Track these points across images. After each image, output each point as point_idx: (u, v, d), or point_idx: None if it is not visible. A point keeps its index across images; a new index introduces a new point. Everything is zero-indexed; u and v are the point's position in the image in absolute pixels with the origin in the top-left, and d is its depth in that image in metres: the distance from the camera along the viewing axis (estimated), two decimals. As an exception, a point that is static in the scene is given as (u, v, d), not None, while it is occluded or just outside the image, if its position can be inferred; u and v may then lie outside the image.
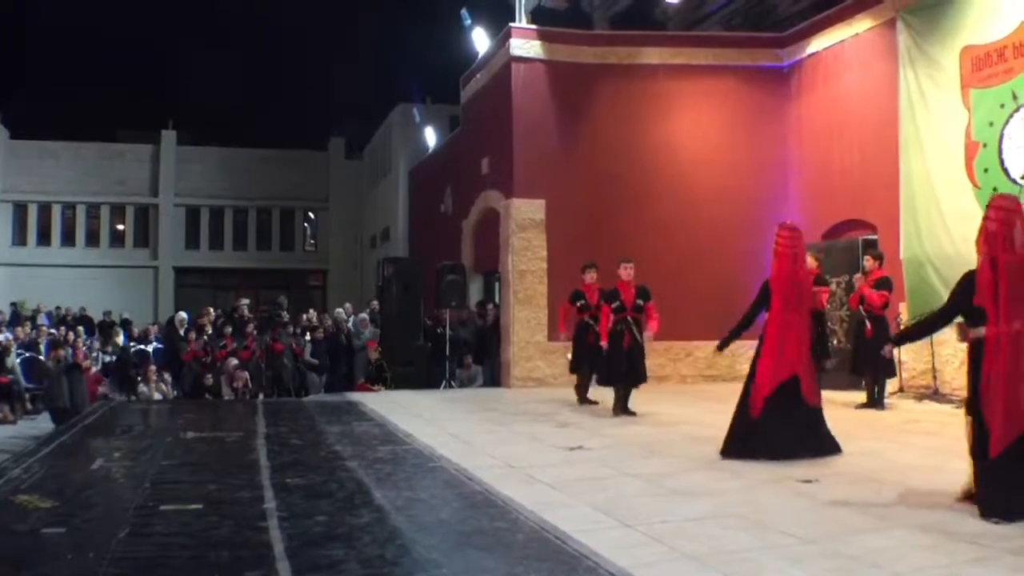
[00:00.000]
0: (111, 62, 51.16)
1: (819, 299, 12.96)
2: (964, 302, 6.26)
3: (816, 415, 8.53)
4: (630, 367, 11.66)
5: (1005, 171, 12.66)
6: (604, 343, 11.78)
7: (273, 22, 49.38)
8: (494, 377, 17.50)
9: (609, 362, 11.82)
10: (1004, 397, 5.88)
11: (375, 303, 19.98)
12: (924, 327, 7.00)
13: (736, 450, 8.37)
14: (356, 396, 15.08)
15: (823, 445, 8.42)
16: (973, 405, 6.13)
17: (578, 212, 16.68)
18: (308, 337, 18.85)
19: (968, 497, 6.13)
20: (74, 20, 50.54)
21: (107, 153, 37.88)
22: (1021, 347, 5.93)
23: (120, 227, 38.41)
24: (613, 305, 11.75)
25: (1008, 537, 5.36)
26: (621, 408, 11.71)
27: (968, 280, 6.27)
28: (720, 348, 9.20)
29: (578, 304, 13.00)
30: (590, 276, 13.05)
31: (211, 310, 20.23)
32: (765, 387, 8.36)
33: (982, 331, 6.08)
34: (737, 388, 8.91)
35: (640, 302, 11.74)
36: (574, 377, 13.43)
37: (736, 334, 9.03)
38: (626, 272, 11.81)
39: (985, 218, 6.27)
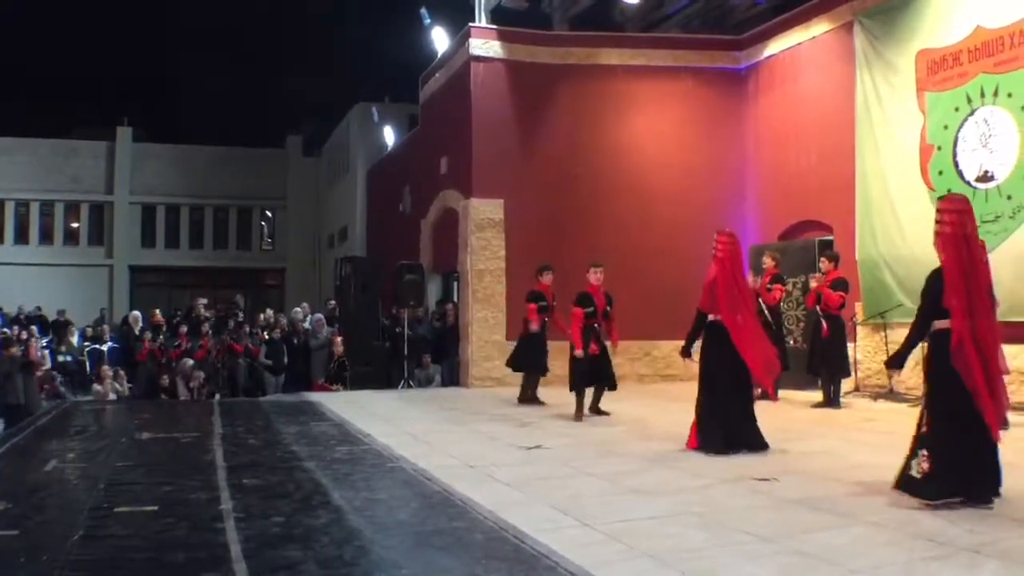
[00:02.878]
0: (66, 58, 50.54)
1: (771, 296, 13.12)
2: (934, 305, 6.47)
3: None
4: (599, 372, 11.56)
5: (959, 173, 12.82)
6: (580, 351, 11.37)
7: (231, 19, 49.01)
8: (453, 377, 17.48)
9: (576, 368, 11.60)
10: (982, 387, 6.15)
11: (332, 302, 19.89)
12: (911, 341, 7.04)
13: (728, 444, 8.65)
14: (314, 396, 15.01)
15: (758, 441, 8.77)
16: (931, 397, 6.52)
17: (536, 212, 16.71)
18: (267, 336, 18.74)
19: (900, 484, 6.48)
20: (29, 15, 49.94)
21: (61, 150, 37.39)
22: (986, 342, 6.21)
23: (75, 225, 37.97)
24: (587, 310, 11.49)
25: (964, 534, 5.42)
26: (593, 409, 11.58)
27: (933, 282, 6.49)
28: (685, 354, 9.44)
29: (540, 304, 13.05)
30: (547, 278, 13.11)
31: (156, 312, 20.06)
32: (765, 380, 9.12)
33: (945, 323, 6.36)
34: (694, 387, 9.03)
35: (608, 308, 11.71)
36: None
37: (693, 339, 9.31)
38: (595, 277, 11.69)
39: (939, 221, 6.44)
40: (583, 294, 11.65)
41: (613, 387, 11.78)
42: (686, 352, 9.37)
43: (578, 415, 11.38)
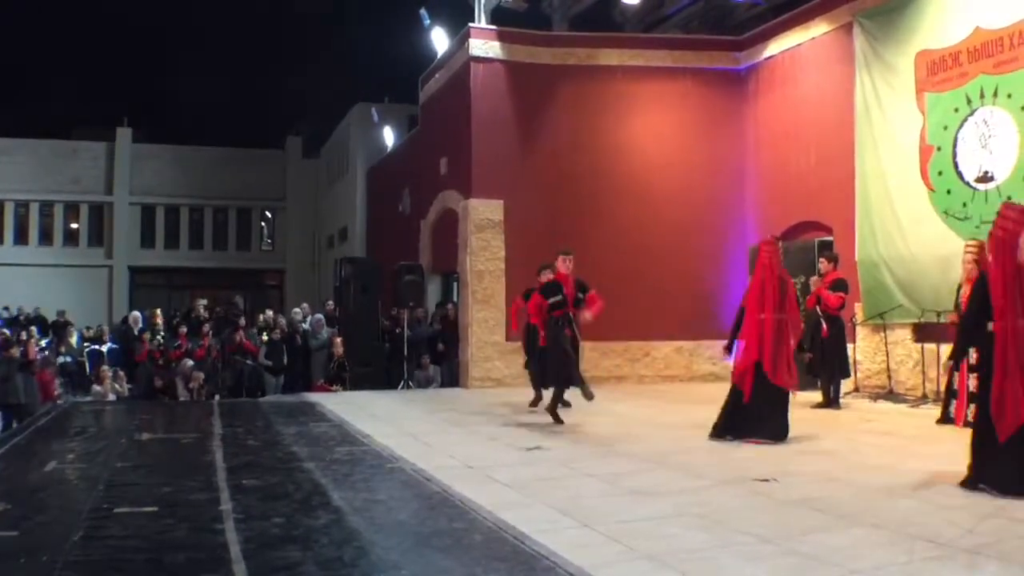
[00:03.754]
0: (66, 58, 50.56)
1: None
2: (982, 305, 6.79)
3: (780, 399, 9.36)
4: (566, 367, 11.09)
5: (959, 174, 12.81)
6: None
7: (231, 20, 49.01)
8: (452, 378, 17.47)
9: (550, 361, 11.25)
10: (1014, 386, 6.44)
11: (330, 303, 19.88)
12: (964, 339, 7.42)
13: (724, 431, 9.33)
14: (314, 397, 15.00)
15: (775, 430, 9.23)
16: (980, 395, 6.79)
17: (536, 213, 16.69)
18: (265, 337, 18.73)
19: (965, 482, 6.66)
20: (29, 15, 49.94)
21: (61, 150, 37.33)
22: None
23: (74, 226, 37.92)
24: (553, 300, 11.19)
25: (965, 535, 5.42)
26: (536, 407, 11.44)
27: (982, 283, 6.85)
28: (727, 350, 9.96)
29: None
30: (546, 276, 12.79)
31: (157, 312, 20.06)
32: (736, 372, 9.43)
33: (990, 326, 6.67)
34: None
35: (580, 295, 11.36)
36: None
37: (734, 335, 9.80)
38: (564, 265, 11.35)
39: (994, 223, 6.82)
40: (549, 283, 11.49)
41: (570, 384, 11.32)
42: (728, 349, 9.91)
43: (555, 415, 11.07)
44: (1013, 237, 6.58)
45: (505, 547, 5.38)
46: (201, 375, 17.09)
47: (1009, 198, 11.96)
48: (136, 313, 20.19)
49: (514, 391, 13.79)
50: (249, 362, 17.94)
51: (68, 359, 18.69)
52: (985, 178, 12.45)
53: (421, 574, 4.91)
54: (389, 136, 29.94)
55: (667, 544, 5.32)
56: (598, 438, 9.82)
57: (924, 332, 12.36)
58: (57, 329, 21.38)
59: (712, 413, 9.55)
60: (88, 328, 22.29)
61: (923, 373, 12.78)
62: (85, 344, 19.90)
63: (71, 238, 37.84)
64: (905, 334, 13.15)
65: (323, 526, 5.90)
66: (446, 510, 6.39)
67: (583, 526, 5.79)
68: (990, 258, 6.79)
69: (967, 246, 10.78)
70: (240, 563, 5.03)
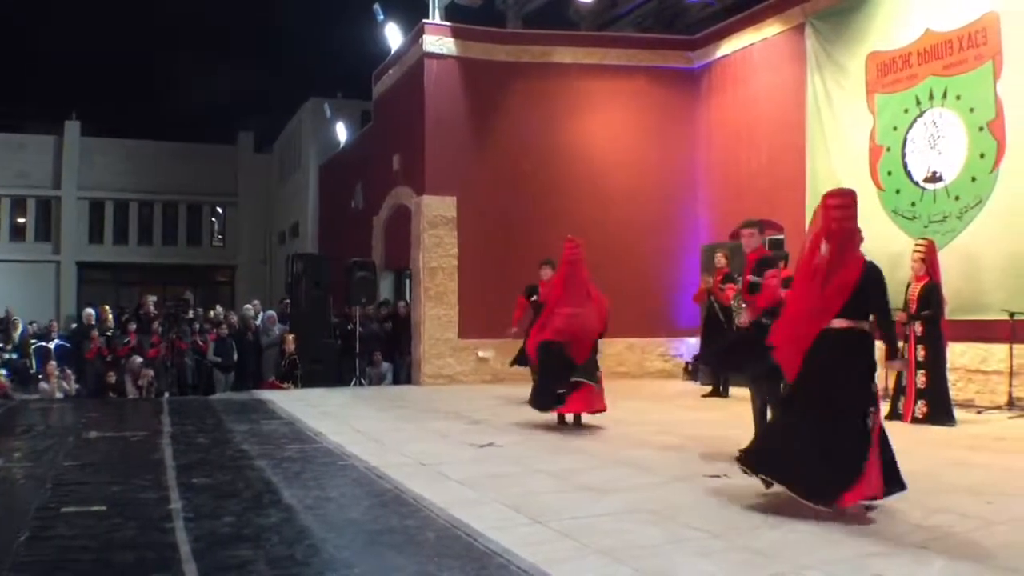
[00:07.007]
0: (13, 50, 49.87)
1: (724, 295, 13.26)
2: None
3: None
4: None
5: (908, 174, 12.98)
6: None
7: (181, 13, 48.60)
8: (404, 375, 17.43)
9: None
10: None
11: (287, 301, 19.73)
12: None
13: None
14: (265, 394, 14.90)
15: None
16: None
17: (489, 210, 16.70)
18: (216, 334, 18.55)
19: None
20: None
21: (8, 144, 36.80)
22: None
23: (21, 220, 37.42)
24: (532, 299, 12.35)
25: (912, 530, 5.49)
26: None
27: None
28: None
29: (532, 299, 12.81)
30: (546, 273, 12.74)
31: (107, 309, 19.83)
32: None
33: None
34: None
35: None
36: (485, 374, 13.44)
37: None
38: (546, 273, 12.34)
39: (826, 219, 6.49)
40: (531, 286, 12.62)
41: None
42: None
43: None
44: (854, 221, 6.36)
45: (458, 544, 5.37)
46: (150, 372, 16.92)
47: (957, 198, 12.18)
48: (89, 310, 19.94)
49: (466, 388, 13.77)
50: (187, 360, 17.80)
51: (15, 356, 18.41)
52: (934, 178, 12.63)
53: (373, 572, 4.89)
54: (342, 132, 29.83)
55: (620, 540, 5.34)
56: (550, 435, 9.84)
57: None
58: (2, 325, 21.04)
59: (671, 409, 9.61)
60: (33, 323, 21.96)
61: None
62: (32, 341, 19.60)
63: (18, 233, 37.33)
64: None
65: (274, 524, 5.86)
66: (398, 508, 6.36)
67: (536, 523, 5.79)
68: (823, 248, 6.40)
69: (916, 245, 10.94)
70: (190, 562, 4.97)
